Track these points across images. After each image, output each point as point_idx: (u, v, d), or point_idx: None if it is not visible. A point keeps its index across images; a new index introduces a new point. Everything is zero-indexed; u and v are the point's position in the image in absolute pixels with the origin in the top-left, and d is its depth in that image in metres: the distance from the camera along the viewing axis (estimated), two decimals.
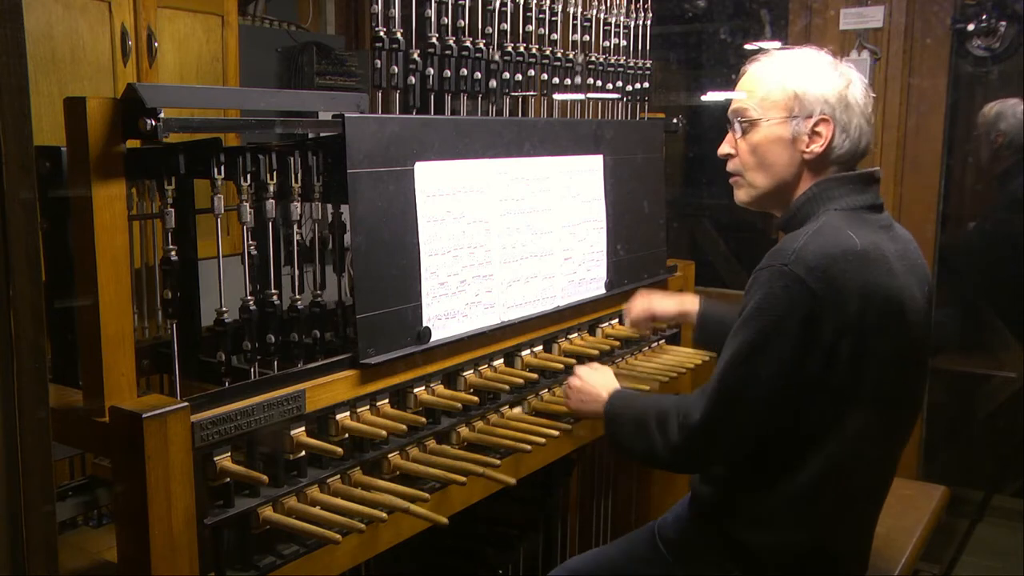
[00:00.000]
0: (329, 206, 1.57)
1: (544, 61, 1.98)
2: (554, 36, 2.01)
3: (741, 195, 1.69)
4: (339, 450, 1.39)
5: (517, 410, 1.85)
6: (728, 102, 1.69)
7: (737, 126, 1.65)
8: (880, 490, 1.66)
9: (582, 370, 1.82)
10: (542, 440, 1.70)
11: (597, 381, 1.77)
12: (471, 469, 1.54)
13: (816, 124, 1.57)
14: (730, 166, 1.69)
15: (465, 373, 1.72)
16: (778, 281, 1.45)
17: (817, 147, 1.57)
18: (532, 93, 1.97)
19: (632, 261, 2.27)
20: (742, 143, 1.64)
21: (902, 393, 1.58)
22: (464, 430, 1.70)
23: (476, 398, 1.68)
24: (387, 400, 1.56)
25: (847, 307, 1.44)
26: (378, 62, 1.64)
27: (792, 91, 1.58)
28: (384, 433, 1.48)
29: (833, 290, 1.43)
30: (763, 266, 1.50)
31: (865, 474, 1.59)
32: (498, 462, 1.58)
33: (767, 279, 1.47)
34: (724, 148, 1.68)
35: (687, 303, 2.09)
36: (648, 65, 2.37)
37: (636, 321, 2.13)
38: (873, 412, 1.52)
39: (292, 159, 1.47)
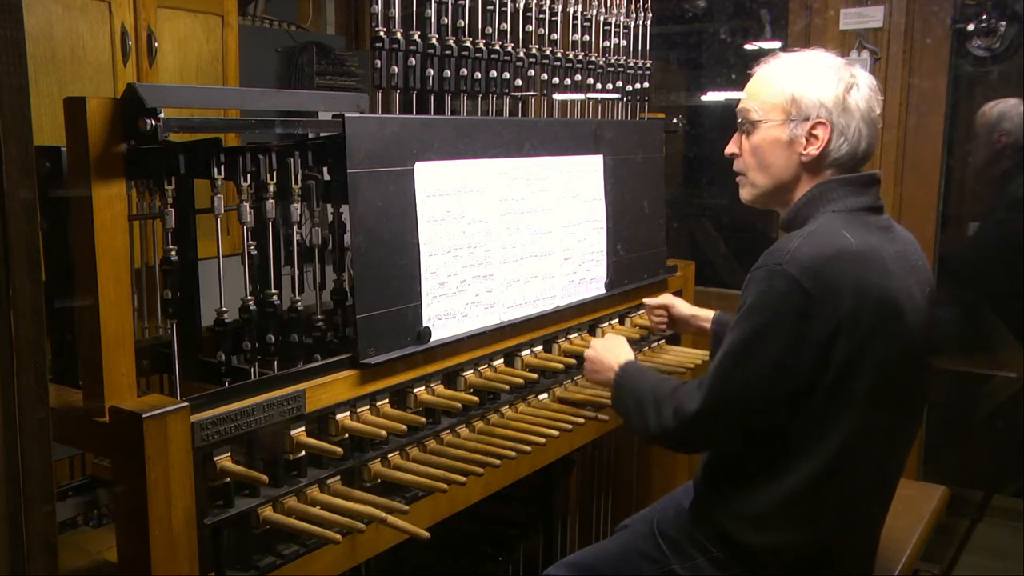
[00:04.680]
0: (329, 206, 1.57)
1: (544, 61, 1.98)
2: (554, 36, 2.01)
3: (744, 193, 1.73)
4: (339, 450, 1.39)
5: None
6: (729, 102, 1.72)
7: (740, 127, 1.70)
8: (882, 491, 1.66)
9: (596, 341, 1.90)
10: (542, 440, 1.70)
11: (609, 352, 1.83)
12: (472, 470, 1.54)
13: (813, 127, 1.59)
14: (736, 165, 1.73)
15: (465, 373, 1.72)
16: (772, 280, 1.48)
17: (814, 149, 1.60)
18: (532, 93, 1.97)
19: (632, 261, 2.27)
20: (746, 143, 1.69)
21: (901, 394, 1.58)
22: (464, 430, 1.71)
23: (476, 398, 1.68)
24: (387, 400, 1.56)
25: (841, 306, 1.46)
26: (378, 62, 1.65)
27: (790, 94, 1.60)
28: (384, 433, 1.48)
29: (826, 289, 1.45)
30: (758, 265, 1.53)
31: (864, 474, 1.59)
32: (498, 462, 1.59)
33: (761, 278, 1.50)
34: (730, 148, 1.73)
35: (702, 311, 2.14)
36: (648, 65, 2.37)
37: (651, 307, 2.20)
38: (870, 412, 1.52)
39: (292, 159, 1.47)
